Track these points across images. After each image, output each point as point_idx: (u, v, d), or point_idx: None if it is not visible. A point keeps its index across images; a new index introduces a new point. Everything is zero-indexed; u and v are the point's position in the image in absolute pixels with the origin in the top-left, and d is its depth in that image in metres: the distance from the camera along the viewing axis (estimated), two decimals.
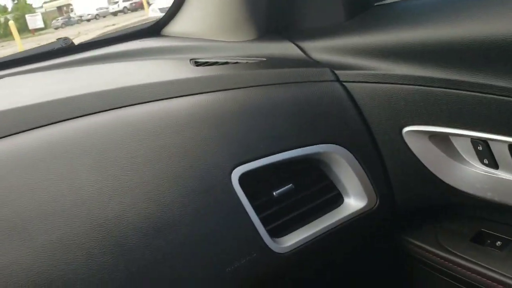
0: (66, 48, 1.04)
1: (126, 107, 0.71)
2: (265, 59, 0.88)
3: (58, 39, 1.04)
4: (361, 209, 0.77)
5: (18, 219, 0.56)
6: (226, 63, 0.87)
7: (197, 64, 0.88)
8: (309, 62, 0.84)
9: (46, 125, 0.66)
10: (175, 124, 0.69)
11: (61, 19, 28.74)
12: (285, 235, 0.72)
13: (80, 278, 0.56)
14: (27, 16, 19.85)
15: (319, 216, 0.75)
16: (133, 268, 0.58)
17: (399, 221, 0.85)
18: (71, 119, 0.68)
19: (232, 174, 0.68)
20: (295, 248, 0.70)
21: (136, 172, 0.63)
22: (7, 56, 0.98)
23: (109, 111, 0.70)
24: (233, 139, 0.71)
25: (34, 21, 19.31)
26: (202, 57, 0.91)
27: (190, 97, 0.75)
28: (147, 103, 0.72)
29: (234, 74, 0.81)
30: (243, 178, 0.69)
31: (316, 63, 0.83)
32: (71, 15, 32.07)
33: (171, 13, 1.06)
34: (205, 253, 0.63)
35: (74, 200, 0.59)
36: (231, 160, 0.69)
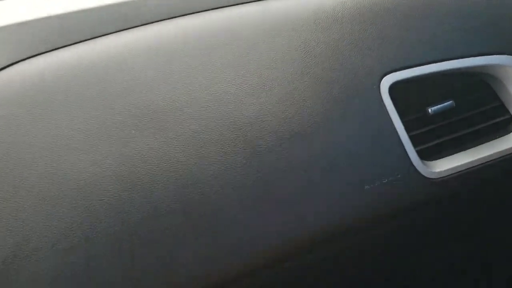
0: None
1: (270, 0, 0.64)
2: None
3: None
4: None
5: (150, 108, 0.54)
6: None
7: None
8: None
9: (184, 15, 0.62)
10: (323, 19, 0.61)
11: None
12: (436, 159, 0.62)
13: (211, 174, 0.53)
14: None
15: (481, 143, 0.64)
16: (264, 171, 0.54)
17: None
18: (212, 9, 0.63)
19: (382, 82, 0.59)
20: (446, 176, 0.61)
21: (277, 70, 0.57)
22: None
23: (252, 3, 0.64)
24: (386, 42, 0.61)
25: None
26: None
27: None
28: None
29: None
30: (393, 88, 0.59)
31: None
32: None
33: None
34: (343, 166, 0.57)
35: (210, 94, 0.55)
36: (382, 66, 0.60)
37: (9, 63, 0.58)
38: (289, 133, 0.56)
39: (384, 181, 0.58)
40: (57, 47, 0.61)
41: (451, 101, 0.62)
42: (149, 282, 0.53)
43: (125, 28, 0.63)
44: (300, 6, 0.63)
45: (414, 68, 0.61)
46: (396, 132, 0.59)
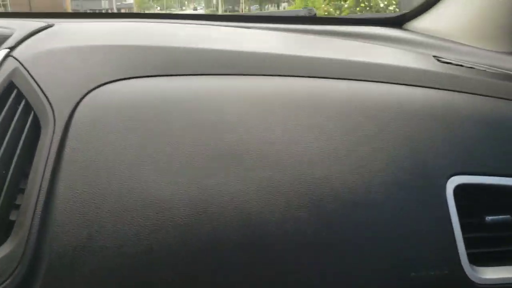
0: (307, 17, 1.08)
1: (360, 81, 0.70)
2: None
3: (303, 8, 1.09)
4: None
5: (234, 148, 0.60)
6: (472, 68, 0.79)
7: (440, 61, 0.83)
8: None
9: (287, 76, 0.70)
10: (404, 111, 0.66)
11: None
12: (485, 265, 0.63)
13: (275, 221, 0.57)
14: None
15: None
16: (324, 230, 0.58)
17: None
18: (310, 77, 0.70)
19: (449, 181, 0.62)
20: (492, 284, 0.62)
21: (352, 143, 0.62)
22: (259, 12, 1.06)
23: (344, 80, 0.70)
24: (460, 145, 0.65)
25: None
26: (446, 56, 0.85)
27: (426, 89, 0.71)
28: (379, 83, 0.71)
29: (481, 80, 0.74)
30: (457, 189, 0.62)
31: None
32: None
33: (421, 9, 1.02)
34: (396, 247, 0.59)
35: (290, 149, 0.61)
36: (452, 166, 0.63)
37: (114, 79, 0.66)
38: (353, 201, 0.59)
39: (430, 273, 0.60)
40: (161, 74, 0.68)
41: (508, 215, 0.65)
42: None
43: (225, 73, 0.70)
44: (385, 92, 0.69)
45: (483, 176, 0.64)
46: (452, 229, 0.61)
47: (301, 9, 1.11)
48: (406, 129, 0.64)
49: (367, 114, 0.65)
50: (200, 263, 0.56)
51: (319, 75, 0.70)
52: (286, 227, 0.57)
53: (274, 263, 0.57)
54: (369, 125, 0.64)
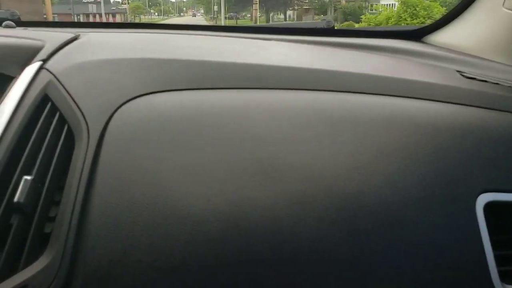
0: (326, 29, 1.08)
1: (389, 96, 0.71)
2: None
3: (322, 19, 1.09)
4: None
5: (267, 162, 0.60)
6: (497, 84, 0.80)
7: (464, 77, 0.83)
8: None
9: (315, 90, 0.70)
10: (435, 127, 0.66)
11: None
12: None
13: (307, 237, 0.57)
14: None
15: None
16: (356, 248, 0.57)
17: None
18: (339, 91, 0.70)
19: (479, 198, 0.63)
20: None
21: (385, 159, 0.62)
22: (278, 24, 1.06)
23: (373, 95, 0.71)
24: (490, 162, 0.65)
25: None
26: (469, 71, 0.85)
27: (455, 105, 0.71)
28: (409, 98, 0.71)
29: (508, 97, 0.74)
30: (487, 206, 0.63)
31: None
32: None
33: (440, 23, 1.03)
34: (424, 264, 0.59)
35: (321, 164, 0.61)
36: (482, 183, 0.63)
37: (145, 93, 0.66)
38: (387, 218, 0.59)
39: None
40: (192, 88, 0.68)
41: None
42: None
43: (254, 87, 0.70)
44: (416, 107, 0.69)
45: None
46: (483, 248, 0.61)
47: (320, 21, 1.11)
48: (437, 146, 0.65)
49: (400, 129, 0.65)
50: (233, 279, 0.56)
51: (351, 90, 0.70)
52: (318, 244, 0.57)
53: (306, 280, 0.57)
54: (401, 141, 0.64)
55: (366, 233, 0.58)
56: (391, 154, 0.63)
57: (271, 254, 0.56)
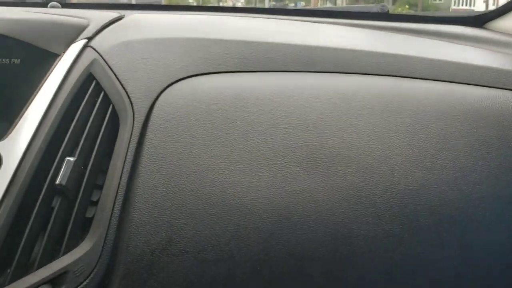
0: (380, 14, 1.02)
1: (456, 83, 0.65)
2: None
3: (376, 3, 1.04)
4: None
5: (317, 151, 0.56)
6: None
7: None
8: None
9: (372, 74, 0.66)
10: (503, 118, 0.60)
11: None
12: None
13: (360, 234, 0.53)
14: None
15: None
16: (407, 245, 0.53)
17: None
18: (397, 76, 0.65)
19: None
20: None
21: (451, 151, 0.57)
22: (330, 7, 1.01)
23: (433, 81, 0.65)
24: None
25: None
26: None
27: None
28: (471, 85, 0.65)
29: None
30: None
31: None
32: None
33: (503, 9, 0.95)
34: (488, 266, 0.54)
35: (381, 155, 0.56)
36: None
37: (193, 74, 0.63)
38: (450, 216, 0.54)
39: None
40: (241, 70, 0.64)
41: None
42: None
43: (307, 70, 0.66)
44: (483, 95, 0.63)
45: None
46: None
47: (373, 5, 1.05)
48: (508, 138, 0.58)
49: (466, 119, 0.59)
50: (282, 274, 0.52)
51: (411, 75, 0.65)
52: (376, 242, 0.53)
53: (360, 279, 0.53)
54: (468, 132, 0.58)
55: (428, 233, 0.53)
56: (457, 146, 0.57)
57: (324, 251, 0.52)
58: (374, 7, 1.03)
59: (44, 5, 0.93)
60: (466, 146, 0.58)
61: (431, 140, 0.57)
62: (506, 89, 0.66)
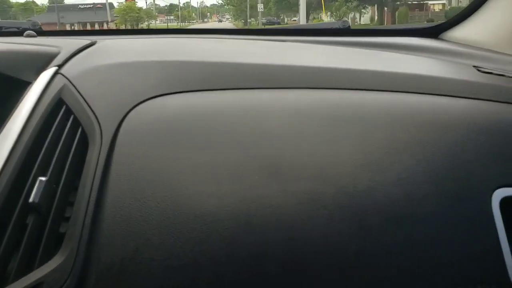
0: (342, 29, 1.08)
1: (402, 92, 0.70)
2: None
3: (338, 20, 1.09)
4: None
5: (275, 160, 0.60)
6: None
7: (481, 72, 0.82)
8: None
9: (327, 88, 0.70)
10: (448, 122, 0.65)
11: None
12: None
13: (316, 235, 0.57)
14: None
15: None
16: (366, 245, 0.57)
17: None
18: (351, 89, 0.70)
19: (494, 193, 0.61)
20: None
21: (395, 155, 0.62)
22: (293, 26, 1.07)
23: (385, 92, 0.70)
24: (505, 157, 0.64)
25: None
26: (486, 66, 0.84)
27: (469, 100, 0.70)
28: (422, 94, 0.70)
29: None
30: (503, 202, 0.61)
31: None
32: None
33: (457, 19, 1.01)
34: (440, 261, 0.58)
35: (331, 161, 0.60)
36: (497, 178, 0.62)
37: (157, 94, 0.67)
38: (397, 214, 0.58)
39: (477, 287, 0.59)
40: (203, 89, 0.69)
41: None
42: None
43: (265, 87, 0.70)
44: (428, 103, 0.68)
45: None
46: (499, 244, 0.60)
47: (335, 21, 1.11)
48: (450, 141, 0.64)
49: (410, 125, 0.64)
50: (244, 276, 0.56)
51: (360, 87, 0.70)
52: (329, 241, 0.57)
53: (316, 277, 0.57)
54: (412, 137, 0.63)
55: (376, 230, 0.58)
56: (401, 150, 0.62)
57: (282, 251, 0.56)
58: (336, 23, 1.09)
59: (20, 33, 0.97)
60: (412, 148, 0.62)
61: (376, 145, 0.62)
62: (452, 96, 0.71)
